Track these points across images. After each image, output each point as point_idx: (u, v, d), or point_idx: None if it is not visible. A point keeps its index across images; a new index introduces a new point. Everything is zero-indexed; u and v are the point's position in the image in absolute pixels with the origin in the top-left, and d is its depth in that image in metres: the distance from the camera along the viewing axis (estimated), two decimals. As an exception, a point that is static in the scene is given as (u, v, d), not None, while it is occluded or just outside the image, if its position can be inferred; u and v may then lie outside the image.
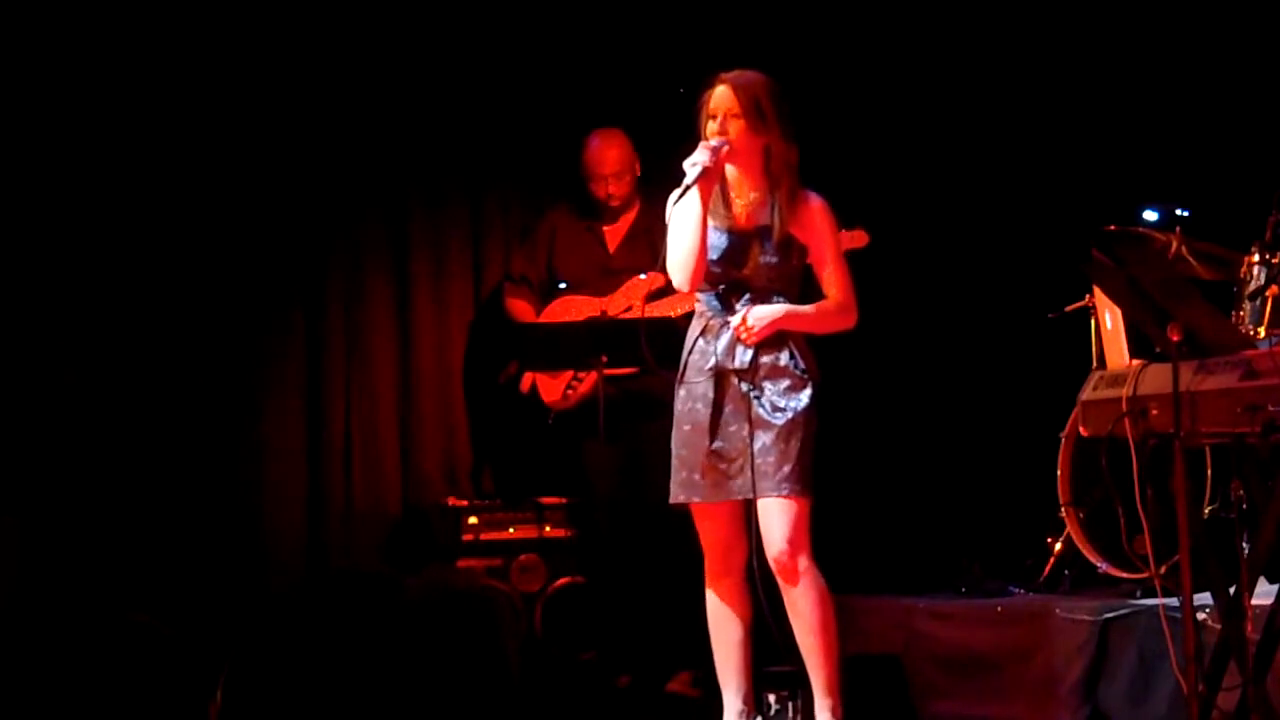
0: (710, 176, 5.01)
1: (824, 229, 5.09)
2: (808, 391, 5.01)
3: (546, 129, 7.05)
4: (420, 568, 6.62)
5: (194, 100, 6.55)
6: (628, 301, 6.62)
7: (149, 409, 6.45)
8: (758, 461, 4.96)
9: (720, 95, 5.04)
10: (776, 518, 4.97)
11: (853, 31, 7.10)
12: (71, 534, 6.23)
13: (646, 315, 6.47)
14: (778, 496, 4.96)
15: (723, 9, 6.97)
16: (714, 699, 5.32)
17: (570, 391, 6.61)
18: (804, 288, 5.15)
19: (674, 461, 5.12)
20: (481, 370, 7.03)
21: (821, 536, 5.07)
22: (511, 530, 6.72)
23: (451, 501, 6.78)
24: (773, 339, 5.01)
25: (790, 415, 4.97)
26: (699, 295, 5.13)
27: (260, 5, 6.65)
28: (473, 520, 6.71)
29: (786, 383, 5.00)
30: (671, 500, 5.13)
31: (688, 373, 5.12)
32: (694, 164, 5.00)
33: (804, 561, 4.98)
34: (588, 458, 6.56)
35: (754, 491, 4.97)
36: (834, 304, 5.09)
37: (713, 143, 5.02)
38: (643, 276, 6.64)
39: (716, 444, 5.01)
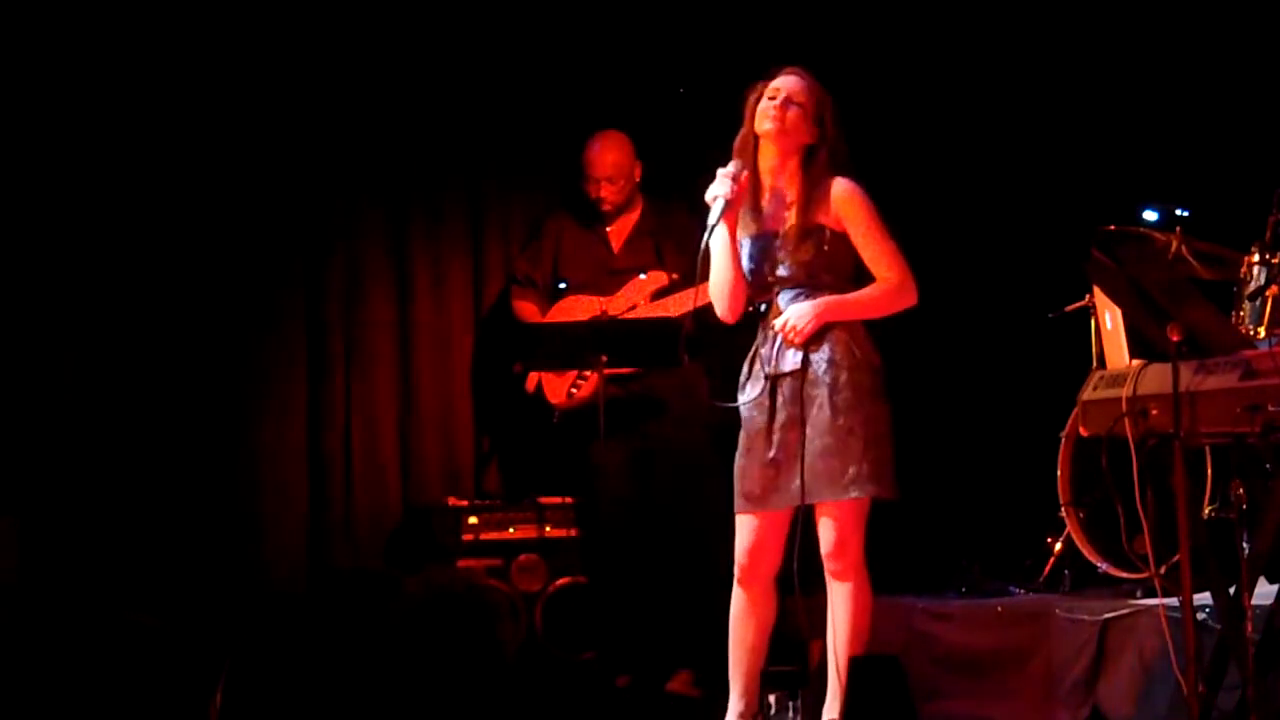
0: (733, 206, 4.97)
1: (855, 211, 4.98)
2: (867, 383, 4.93)
3: (548, 129, 7.05)
4: (420, 568, 6.62)
5: (195, 99, 6.55)
6: (631, 301, 6.63)
7: (149, 408, 6.45)
8: (819, 465, 4.88)
9: (788, 80, 4.99)
10: (831, 517, 4.93)
11: (852, 32, 7.10)
12: (71, 534, 6.23)
13: (647, 315, 6.52)
14: (835, 500, 4.90)
15: (721, 10, 6.97)
16: (714, 699, 5.32)
17: (574, 391, 6.62)
18: (858, 273, 5.05)
19: (736, 470, 5.04)
20: (484, 370, 7.03)
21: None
22: (511, 530, 6.72)
23: (451, 501, 6.77)
24: (822, 336, 4.94)
25: (852, 411, 4.89)
26: (756, 303, 5.07)
27: (263, 3, 6.65)
28: (473, 520, 6.71)
29: (845, 376, 4.92)
30: (736, 511, 5.04)
31: (749, 380, 5.05)
32: (714, 197, 4.95)
33: (852, 563, 4.95)
34: (592, 457, 6.57)
35: (803, 497, 4.90)
36: (884, 285, 4.98)
37: (730, 169, 4.98)
38: (642, 276, 6.66)
39: (779, 451, 4.95)
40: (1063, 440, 6.09)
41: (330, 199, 6.82)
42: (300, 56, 6.72)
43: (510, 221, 7.12)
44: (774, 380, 4.98)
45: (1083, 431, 4.86)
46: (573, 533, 6.74)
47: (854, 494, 4.90)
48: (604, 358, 6.34)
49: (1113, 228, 5.61)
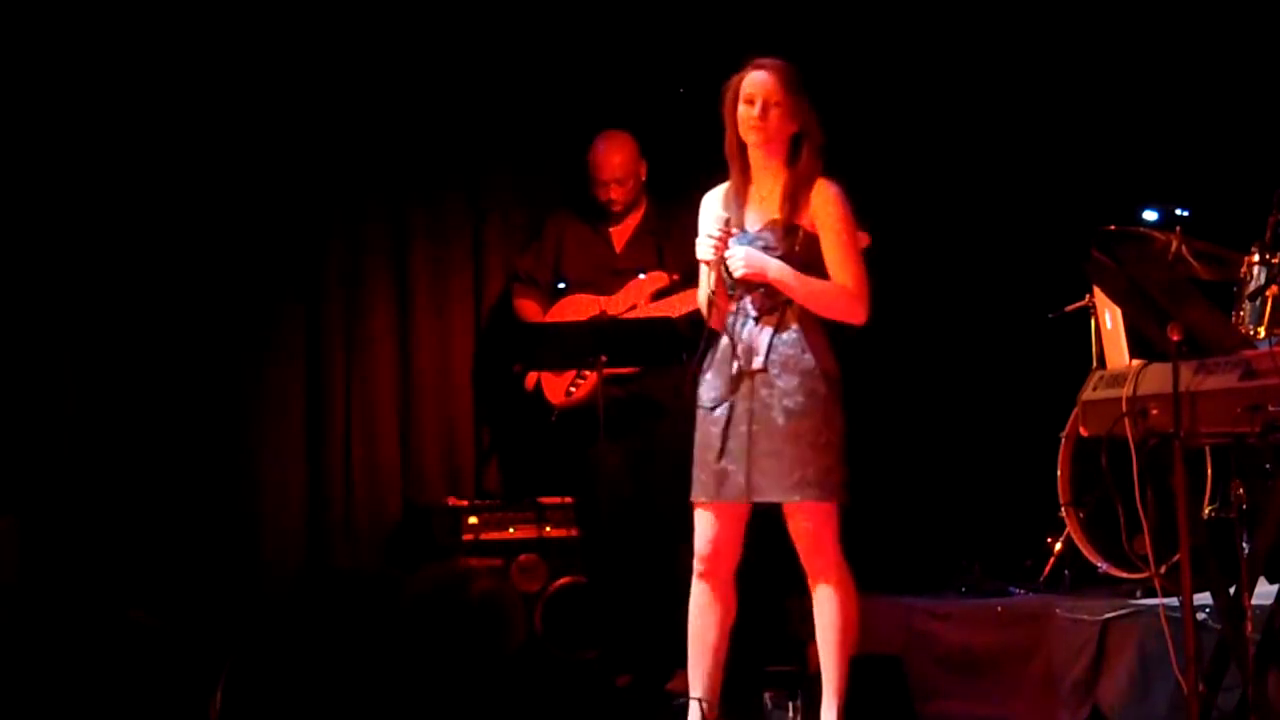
0: (715, 266, 4.95)
1: (828, 214, 4.96)
2: (821, 390, 4.94)
3: (549, 127, 7.05)
4: (419, 568, 6.61)
5: (195, 100, 6.55)
6: (631, 301, 6.63)
7: (148, 408, 6.45)
8: (765, 465, 4.91)
9: (760, 81, 4.93)
10: (798, 521, 4.95)
11: (854, 32, 7.10)
12: (71, 534, 6.23)
13: (648, 315, 6.52)
14: (799, 500, 4.92)
15: (720, 10, 6.97)
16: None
17: (572, 390, 6.62)
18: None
19: (694, 457, 5.06)
20: (484, 370, 7.03)
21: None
22: (511, 530, 6.72)
23: (451, 501, 6.77)
24: (781, 340, 4.94)
25: (801, 416, 4.91)
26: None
27: (263, 5, 6.65)
28: (473, 520, 6.70)
29: (797, 381, 4.93)
30: (691, 498, 5.07)
31: (710, 372, 5.04)
32: (704, 260, 4.94)
33: (829, 564, 4.97)
34: (591, 457, 6.56)
35: (749, 495, 4.93)
36: (836, 286, 4.96)
37: (715, 228, 4.94)
38: (642, 276, 6.66)
39: (729, 443, 4.96)
40: (1063, 440, 6.08)
41: (330, 199, 6.82)
42: (301, 55, 6.71)
43: (510, 222, 7.12)
44: (734, 376, 4.97)
45: (1083, 431, 4.86)
46: (573, 533, 6.74)
47: (798, 497, 4.90)
48: (603, 358, 6.34)
49: (1113, 228, 5.61)
